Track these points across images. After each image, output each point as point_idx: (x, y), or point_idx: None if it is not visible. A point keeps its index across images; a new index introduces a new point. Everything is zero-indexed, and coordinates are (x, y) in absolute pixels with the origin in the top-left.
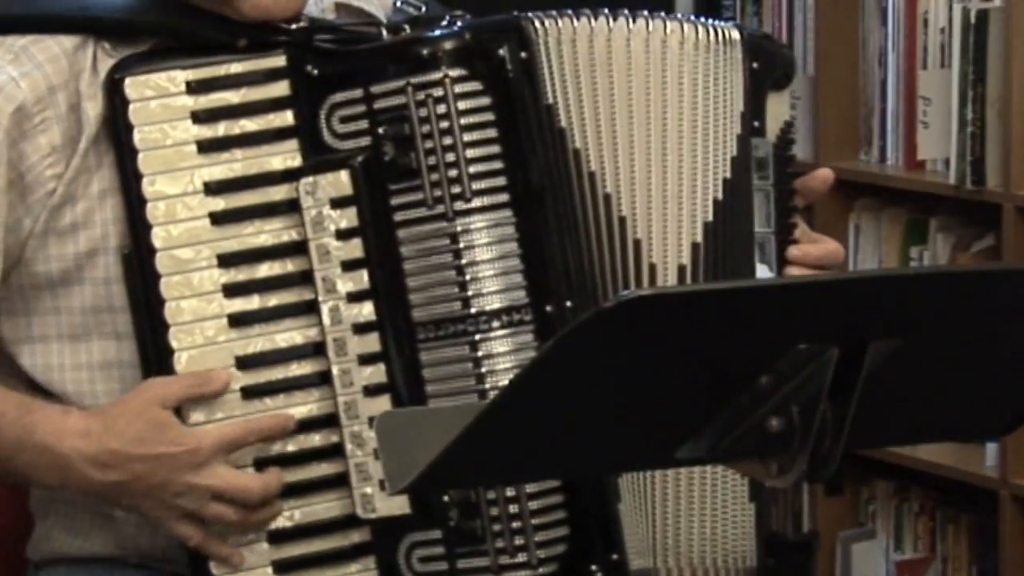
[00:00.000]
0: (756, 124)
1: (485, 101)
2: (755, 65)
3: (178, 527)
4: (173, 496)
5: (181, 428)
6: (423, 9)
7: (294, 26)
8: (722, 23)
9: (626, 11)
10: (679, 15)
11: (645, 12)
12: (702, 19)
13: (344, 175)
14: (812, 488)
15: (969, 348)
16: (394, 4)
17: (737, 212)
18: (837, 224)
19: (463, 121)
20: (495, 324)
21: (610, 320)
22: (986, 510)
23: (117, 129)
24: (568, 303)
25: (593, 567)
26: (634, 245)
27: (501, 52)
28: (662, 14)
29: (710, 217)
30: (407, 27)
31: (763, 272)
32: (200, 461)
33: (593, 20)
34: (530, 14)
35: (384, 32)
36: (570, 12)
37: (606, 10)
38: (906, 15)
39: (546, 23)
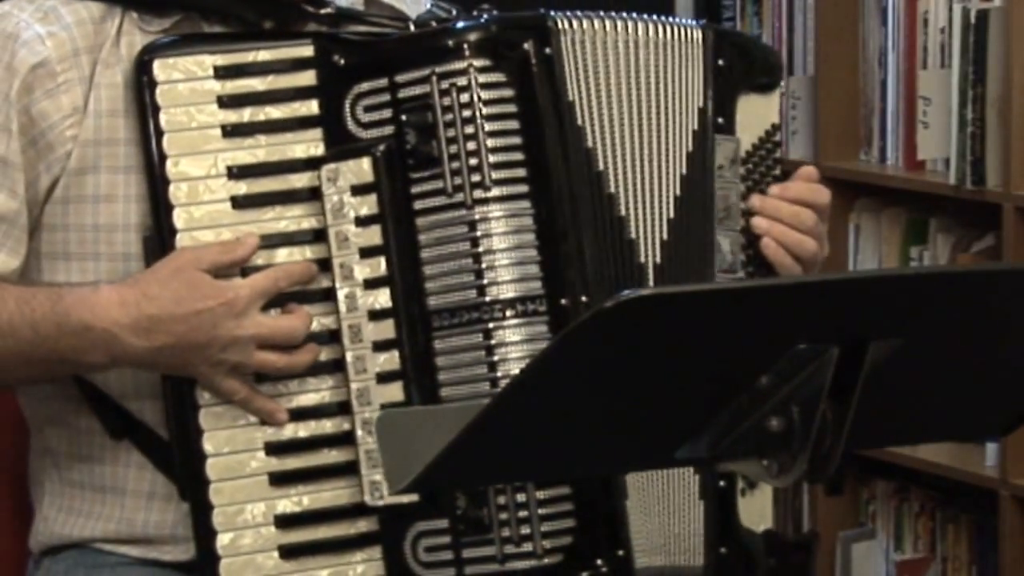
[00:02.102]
0: (720, 120)
1: (508, 93)
2: (721, 62)
3: (226, 383)
4: (219, 351)
5: (215, 282)
6: (453, 12)
7: (322, 11)
8: (687, 22)
9: (634, 13)
10: (646, 15)
11: (632, 13)
12: (667, 18)
13: (366, 162)
14: (812, 488)
15: (969, 348)
16: (427, 8)
17: (695, 209)
18: (837, 224)
19: (486, 111)
20: (509, 313)
21: (610, 320)
22: (986, 510)
23: (143, 109)
24: (584, 298)
25: (599, 561)
26: (628, 245)
27: (526, 46)
28: (631, 14)
29: (672, 214)
30: (434, 22)
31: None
32: (239, 311)
33: (611, 21)
34: (553, 12)
35: (411, 26)
36: (590, 13)
37: (624, 13)
38: (906, 15)
39: (569, 22)
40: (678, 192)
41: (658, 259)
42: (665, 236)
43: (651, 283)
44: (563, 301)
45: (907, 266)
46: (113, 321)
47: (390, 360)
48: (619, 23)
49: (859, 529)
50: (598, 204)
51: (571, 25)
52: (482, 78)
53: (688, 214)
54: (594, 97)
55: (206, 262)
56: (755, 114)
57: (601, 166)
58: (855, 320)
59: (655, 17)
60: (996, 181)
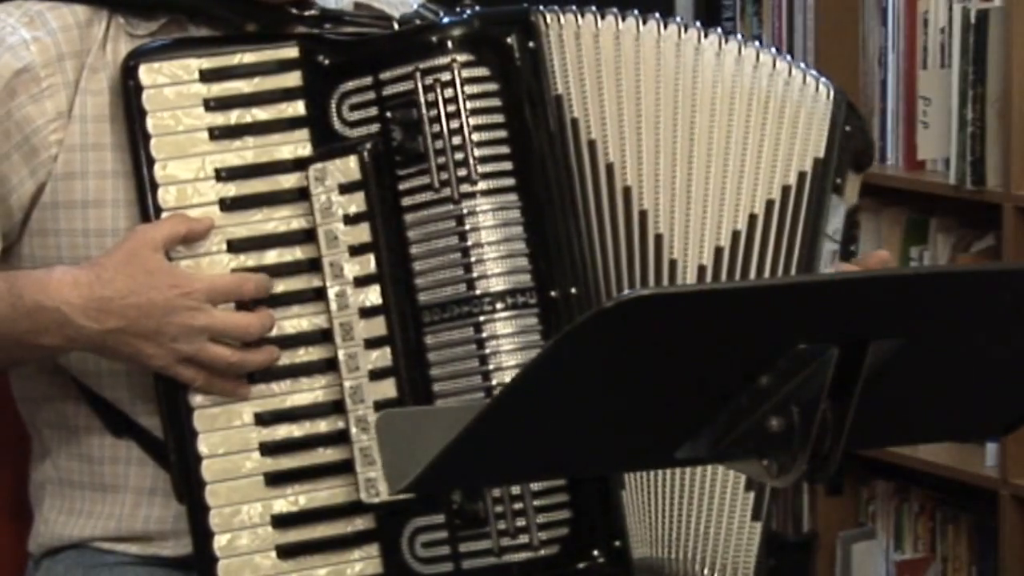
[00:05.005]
0: (839, 181)
1: (492, 87)
2: (848, 128)
3: (180, 371)
4: (170, 339)
5: (173, 271)
6: (440, 14)
7: (307, 13)
8: (816, 74)
9: (636, 12)
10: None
11: (702, 24)
12: (802, 65)
13: (353, 161)
14: (812, 488)
15: (969, 348)
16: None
17: (777, 233)
18: None
19: (470, 105)
20: (499, 306)
21: (610, 320)
22: (986, 510)
23: (130, 114)
24: (573, 290)
25: (595, 552)
26: (655, 239)
27: (509, 40)
28: (740, 36)
29: (739, 226)
30: (418, 21)
31: None
32: (193, 303)
33: (601, 18)
34: (539, 7)
35: (395, 25)
36: (578, 8)
37: (615, 9)
38: (906, 15)
39: (554, 17)
40: (754, 210)
41: (704, 260)
42: (722, 243)
43: (688, 280)
44: (553, 293)
45: (907, 266)
46: (64, 300)
47: (382, 357)
48: (613, 18)
49: (859, 529)
50: (607, 196)
51: (557, 19)
52: (466, 73)
53: (764, 235)
54: (604, 91)
55: (160, 240)
56: (849, 187)
57: (613, 158)
58: (855, 320)
59: (789, 59)
60: (996, 181)
